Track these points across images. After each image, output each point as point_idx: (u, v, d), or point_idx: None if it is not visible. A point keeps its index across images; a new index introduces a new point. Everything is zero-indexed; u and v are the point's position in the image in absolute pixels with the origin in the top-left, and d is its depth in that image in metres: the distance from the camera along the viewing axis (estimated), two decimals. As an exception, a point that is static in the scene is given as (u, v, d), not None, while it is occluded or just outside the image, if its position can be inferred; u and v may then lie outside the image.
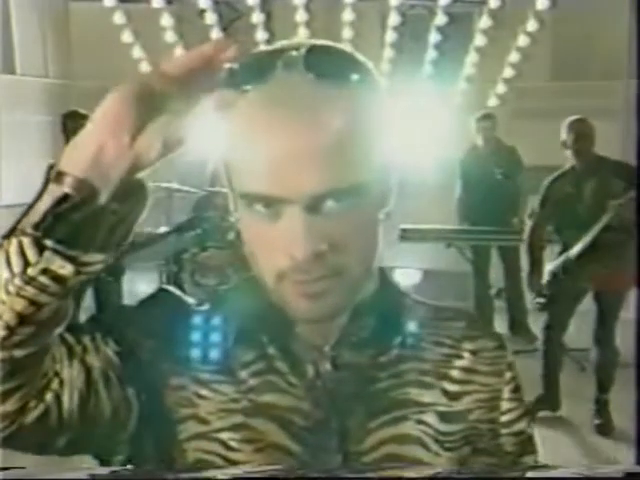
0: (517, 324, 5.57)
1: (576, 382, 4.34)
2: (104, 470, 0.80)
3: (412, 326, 0.84)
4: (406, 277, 5.55)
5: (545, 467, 0.85)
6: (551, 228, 4.09)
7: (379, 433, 0.80)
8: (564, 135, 3.90)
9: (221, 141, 0.73)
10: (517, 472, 0.87)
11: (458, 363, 0.85)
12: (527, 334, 5.35)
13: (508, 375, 0.87)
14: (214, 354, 0.81)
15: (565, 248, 3.97)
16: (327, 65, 0.70)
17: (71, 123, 4.13)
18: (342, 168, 0.69)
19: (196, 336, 0.82)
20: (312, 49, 0.71)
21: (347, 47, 0.75)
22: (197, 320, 0.83)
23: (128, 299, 6.06)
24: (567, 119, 3.94)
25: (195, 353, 0.81)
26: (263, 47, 0.75)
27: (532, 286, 4.09)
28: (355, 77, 0.71)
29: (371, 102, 0.73)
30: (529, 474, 0.85)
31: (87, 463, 0.86)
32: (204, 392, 0.80)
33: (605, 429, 3.95)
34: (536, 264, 4.08)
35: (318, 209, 0.70)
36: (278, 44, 0.74)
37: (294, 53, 0.71)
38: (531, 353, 4.32)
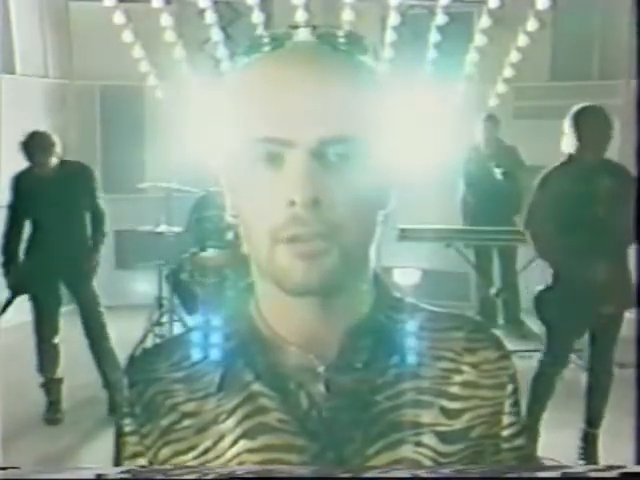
0: (512, 319, 5.89)
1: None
2: (112, 470, 0.80)
3: (412, 343, 0.80)
4: (406, 277, 5.55)
5: (545, 467, 0.84)
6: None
7: (377, 459, 0.77)
8: (570, 125, 3.37)
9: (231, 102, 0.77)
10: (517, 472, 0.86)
11: (458, 378, 0.81)
12: (521, 326, 5.74)
13: (510, 387, 0.84)
14: (198, 406, 0.80)
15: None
16: (341, 41, 0.76)
17: (32, 145, 4.00)
18: (346, 124, 0.72)
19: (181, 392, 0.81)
20: (328, 27, 0.77)
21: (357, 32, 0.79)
22: (180, 375, 0.82)
23: (128, 299, 6.07)
24: (576, 107, 3.45)
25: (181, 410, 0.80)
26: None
27: None
28: (363, 59, 0.76)
29: (374, 89, 0.76)
30: (529, 474, 0.84)
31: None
32: (193, 453, 0.79)
33: None
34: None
35: (321, 155, 0.71)
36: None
37: (310, 28, 0.76)
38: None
